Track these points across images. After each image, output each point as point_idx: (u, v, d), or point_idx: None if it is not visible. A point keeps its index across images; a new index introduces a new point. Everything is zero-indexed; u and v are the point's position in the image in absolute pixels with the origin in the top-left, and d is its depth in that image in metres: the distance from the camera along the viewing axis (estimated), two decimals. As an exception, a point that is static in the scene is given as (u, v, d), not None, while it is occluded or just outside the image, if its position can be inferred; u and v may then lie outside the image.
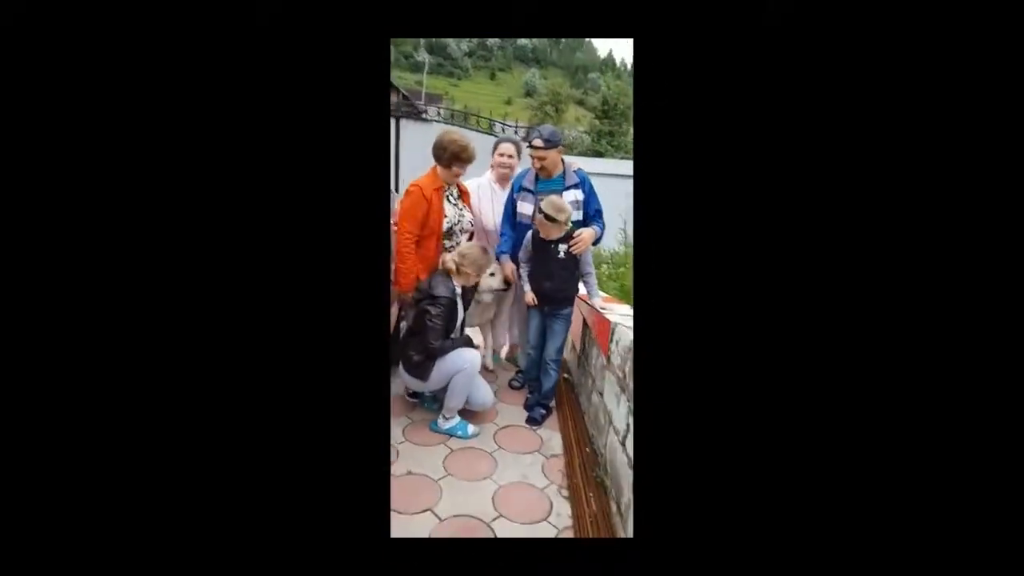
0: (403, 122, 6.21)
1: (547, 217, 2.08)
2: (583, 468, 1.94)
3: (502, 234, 2.42)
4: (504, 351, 3.04)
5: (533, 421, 2.29)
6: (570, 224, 2.17)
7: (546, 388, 2.34)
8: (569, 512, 1.69)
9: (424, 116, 6.82)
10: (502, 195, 2.51)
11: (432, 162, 2.30)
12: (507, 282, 2.41)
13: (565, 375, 2.75)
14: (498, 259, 2.42)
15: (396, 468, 1.85)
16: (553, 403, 2.42)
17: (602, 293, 2.55)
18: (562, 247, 2.16)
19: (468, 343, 2.20)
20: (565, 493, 1.80)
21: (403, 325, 2.32)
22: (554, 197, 2.15)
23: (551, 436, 2.20)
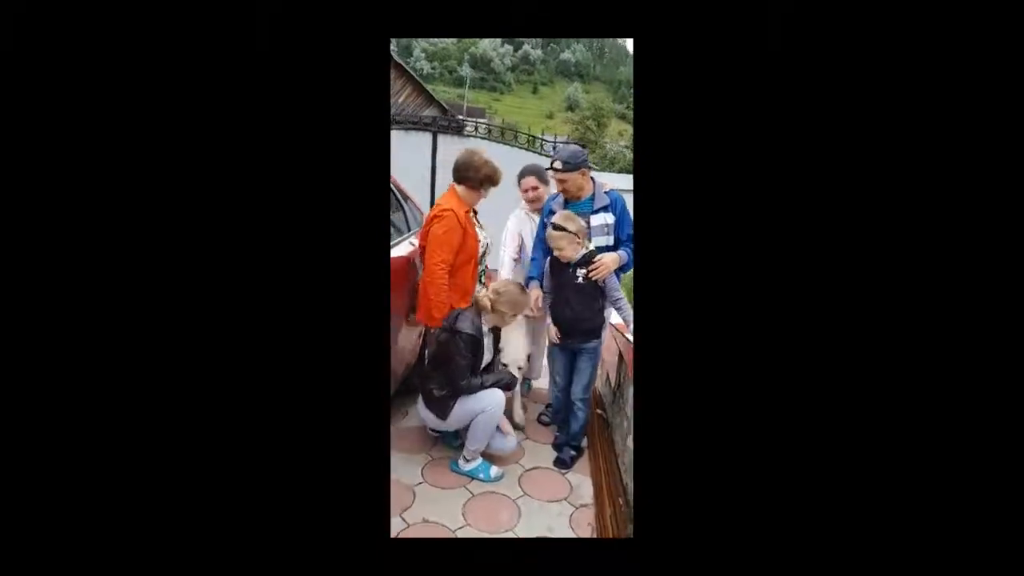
0: (440, 137, 6.17)
1: (555, 227, 1.92)
2: (615, 521, 1.75)
3: (532, 259, 2.29)
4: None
5: (562, 464, 2.11)
6: (591, 247, 2.01)
7: (574, 429, 2.16)
8: None
9: (464, 132, 6.72)
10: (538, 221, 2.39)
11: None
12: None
13: (599, 411, 2.56)
14: (527, 284, 2.28)
15: (410, 515, 1.72)
16: (585, 443, 2.24)
17: None
18: (580, 271, 1.98)
19: (500, 383, 2.01)
20: (594, 552, 1.62)
21: (427, 353, 2.20)
22: (568, 211, 2.00)
23: (581, 482, 2.02)
